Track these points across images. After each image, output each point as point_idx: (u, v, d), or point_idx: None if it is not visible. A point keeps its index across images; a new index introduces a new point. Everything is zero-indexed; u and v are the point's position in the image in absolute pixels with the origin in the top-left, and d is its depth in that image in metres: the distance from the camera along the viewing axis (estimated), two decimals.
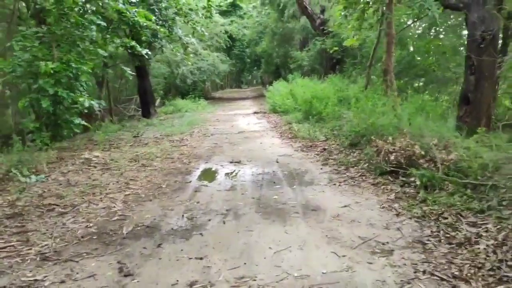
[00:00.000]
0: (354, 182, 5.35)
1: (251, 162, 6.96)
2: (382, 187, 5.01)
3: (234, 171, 6.39)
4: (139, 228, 3.98)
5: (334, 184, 5.33)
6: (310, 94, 11.84)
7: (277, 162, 6.91)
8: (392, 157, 5.53)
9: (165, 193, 5.24)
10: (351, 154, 7.04)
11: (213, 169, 6.62)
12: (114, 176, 6.21)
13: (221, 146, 8.85)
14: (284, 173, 6.06)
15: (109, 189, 5.46)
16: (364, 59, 15.90)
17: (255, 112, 16.74)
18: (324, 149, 7.70)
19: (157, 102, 21.17)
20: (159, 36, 13.77)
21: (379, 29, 11.50)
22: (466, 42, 7.28)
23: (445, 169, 4.86)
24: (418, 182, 4.64)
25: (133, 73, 11.68)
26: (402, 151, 5.52)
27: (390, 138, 5.85)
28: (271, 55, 26.04)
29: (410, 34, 15.60)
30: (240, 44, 32.11)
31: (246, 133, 10.84)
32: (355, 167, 6.10)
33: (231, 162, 7.03)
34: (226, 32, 26.85)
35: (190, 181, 5.79)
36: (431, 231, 3.56)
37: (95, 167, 6.90)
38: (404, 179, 5.12)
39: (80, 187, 5.54)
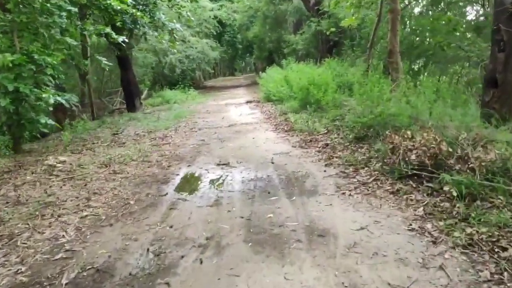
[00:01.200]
0: (368, 190, 4.31)
1: (242, 164, 5.91)
2: (405, 197, 3.96)
3: (221, 177, 5.33)
4: (85, 273, 2.93)
5: (343, 193, 4.28)
6: (307, 81, 10.73)
7: (272, 163, 5.86)
8: (413, 157, 4.49)
9: (132, 212, 4.18)
10: (359, 150, 6.01)
11: (196, 174, 5.56)
12: (75, 188, 5.14)
13: (209, 143, 7.78)
14: (281, 178, 5.01)
15: (64, 208, 4.39)
16: (363, 40, 14.79)
17: (247, 101, 15.66)
18: (326, 144, 6.65)
19: (144, 93, 20.02)
20: (139, 22, 12.60)
21: (380, 5, 10.39)
22: (493, 13, 6.16)
23: (484, 172, 3.84)
24: (454, 193, 3.58)
25: (110, 64, 10.53)
26: (425, 148, 4.48)
27: (408, 132, 4.80)
28: (264, 40, 24.78)
29: (406, 13, 14.46)
30: (230, 29, 30.68)
31: (237, 126, 9.77)
32: (366, 168, 5.05)
33: (218, 165, 5.97)
34: (215, 17, 25.49)
35: (166, 194, 4.73)
36: (490, 272, 2.53)
37: (57, 176, 5.82)
38: (430, 185, 4.09)
39: (29, 207, 4.47)
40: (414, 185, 4.20)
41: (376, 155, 5.44)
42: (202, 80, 33.00)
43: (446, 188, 3.70)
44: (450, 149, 4.34)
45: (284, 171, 5.33)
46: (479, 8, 14.92)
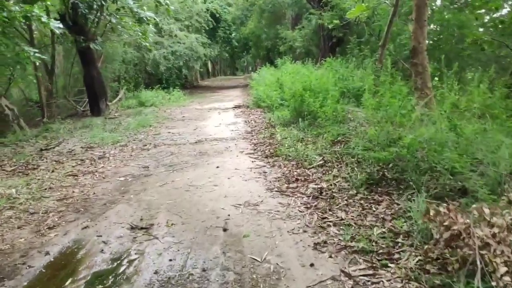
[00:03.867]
0: None
1: (172, 230, 3.44)
2: None
3: (118, 265, 2.86)
4: None
5: None
6: (302, 85, 8.27)
7: (225, 230, 3.40)
8: (502, 270, 2.03)
9: None
10: (373, 208, 3.57)
11: (80, 254, 3.06)
12: None
13: (150, 174, 5.33)
14: (225, 283, 2.56)
15: None
16: (373, 37, 12.32)
17: (235, 106, 13.23)
18: (320, 190, 4.18)
19: (120, 94, 17.52)
20: (95, 6, 10.20)
21: None
22: None
23: None
24: None
25: (44, 57, 8.13)
26: None
27: (486, 209, 2.33)
28: (260, 37, 22.28)
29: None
30: (225, 25, 28.05)
31: (206, 143, 7.34)
32: (393, 266, 2.60)
33: (132, 229, 3.50)
34: (208, 10, 22.95)
35: None
36: None
37: None
38: None
39: None
40: None
41: (406, 228, 3.00)
42: (198, 78, 30.54)
43: None
44: None
45: (237, 259, 2.87)
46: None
